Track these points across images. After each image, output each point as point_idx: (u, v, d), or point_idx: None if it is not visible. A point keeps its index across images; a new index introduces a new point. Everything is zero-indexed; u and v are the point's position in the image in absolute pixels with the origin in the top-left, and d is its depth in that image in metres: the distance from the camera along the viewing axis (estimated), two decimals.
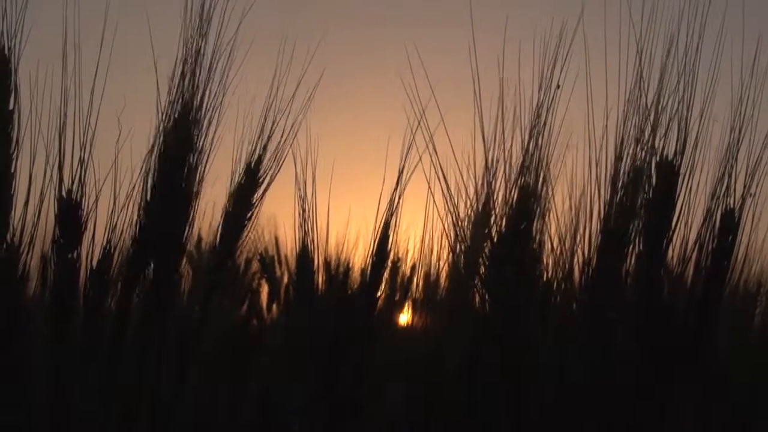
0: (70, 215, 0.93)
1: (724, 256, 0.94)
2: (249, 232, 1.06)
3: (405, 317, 1.30)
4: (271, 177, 1.05)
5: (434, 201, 1.05)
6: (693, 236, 0.94)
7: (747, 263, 0.98)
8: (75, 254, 0.94)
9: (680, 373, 0.96)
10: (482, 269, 1.00)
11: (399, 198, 1.12)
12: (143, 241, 0.96)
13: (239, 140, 1.04)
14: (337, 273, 1.21)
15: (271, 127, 1.03)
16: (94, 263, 0.95)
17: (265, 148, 1.04)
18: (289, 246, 1.61)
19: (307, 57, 1.01)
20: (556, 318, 1.01)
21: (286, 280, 1.70)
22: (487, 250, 1.00)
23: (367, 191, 1.17)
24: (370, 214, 1.14)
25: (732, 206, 0.95)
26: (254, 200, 1.05)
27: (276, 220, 1.70)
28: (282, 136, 1.04)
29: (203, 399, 1.36)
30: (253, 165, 1.05)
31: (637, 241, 0.95)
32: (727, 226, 0.94)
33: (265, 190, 1.05)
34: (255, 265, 1.70)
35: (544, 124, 0.98)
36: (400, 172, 1.11)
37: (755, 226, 0.96)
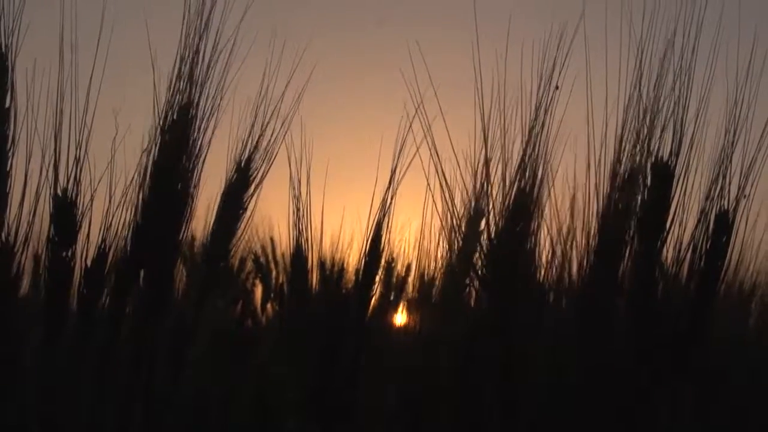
0: (65, 214, 0.93)
1: (718, 257, 0.95)
2: (242, 231, 1.06)
3: (400, 318, 1.30)
4: (262, 175, 1.05)
5: (433, 200, 1.05)
6: (687, 237, 0.95)
7: (742, 264, 0.98)
8: (69, 253, 0.94)
9: (674, 374, 0.96)
10: (479, 268, 1.00)
11: (392, 198, 1.12)
12: (138, 240, 0.96)
13: (234, 140, 1.04)
14: (332, 273, 1.20)
15: (262, 126, 1.03)
16: (89, 262, 0.94)
17: (255, 146, 1.04)
18: (284, 246, 1.61)
19: (299, 55, 1.01)
20: (552, 317, 1.01)
21: (280, 280, 1.70)
22: (484, 250, 1.00)
23: (362, 191, 1.17)
24: (365, 214, 1.14)
25: (726, 207, 0.95)
26: (246, 198, 1.05)
27: (270, 220, 1.70)
28: (272, 135, 1.04)
29: (198, 400, 1.36)
30: (243, 164, 1.05)
31: (632, 241, 0.95)
32: (721, 227, 0.95)
33: (257, 189, 1.05)
34: (249, 265, 1.70)
35: (542, 124, 0.98)
36: (393, 171, 1.11)
37: (749, 227, 0.96)
